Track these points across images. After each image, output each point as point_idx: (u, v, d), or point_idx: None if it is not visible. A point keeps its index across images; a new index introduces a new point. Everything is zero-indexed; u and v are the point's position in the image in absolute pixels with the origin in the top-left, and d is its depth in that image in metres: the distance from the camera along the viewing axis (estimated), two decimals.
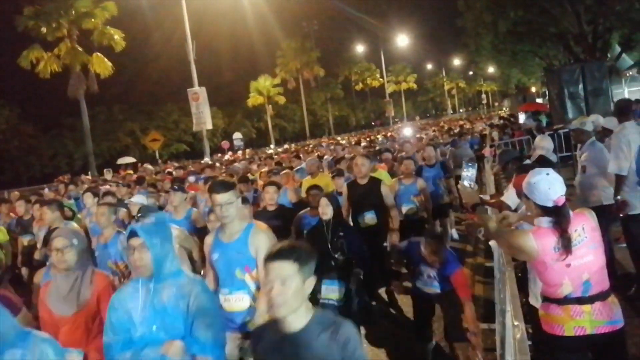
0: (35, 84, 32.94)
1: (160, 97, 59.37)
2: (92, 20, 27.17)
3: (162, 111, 59.23)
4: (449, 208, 9.04)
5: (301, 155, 14.53)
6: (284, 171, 9.30)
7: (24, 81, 37.35)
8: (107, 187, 11.73)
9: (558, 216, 2.94)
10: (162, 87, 60.54)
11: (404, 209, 7.39)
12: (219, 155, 35.56)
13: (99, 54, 27.74)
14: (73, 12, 27.07)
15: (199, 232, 6.18)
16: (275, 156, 18.49)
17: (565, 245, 2.89)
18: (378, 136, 27.09)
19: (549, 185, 2.95)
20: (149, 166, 20.80)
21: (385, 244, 6.76)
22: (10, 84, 42.89)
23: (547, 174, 3.00)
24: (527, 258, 3.01)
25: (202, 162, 25.44)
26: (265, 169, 10.96)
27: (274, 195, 6.35)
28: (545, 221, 2.99)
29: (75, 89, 27.17)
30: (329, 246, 4.83)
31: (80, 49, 27.45)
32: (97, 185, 13.60)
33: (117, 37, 27.48)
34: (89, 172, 27.62)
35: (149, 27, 50.23)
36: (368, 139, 23.91)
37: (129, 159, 43.43)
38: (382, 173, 8.29)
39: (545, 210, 2.98)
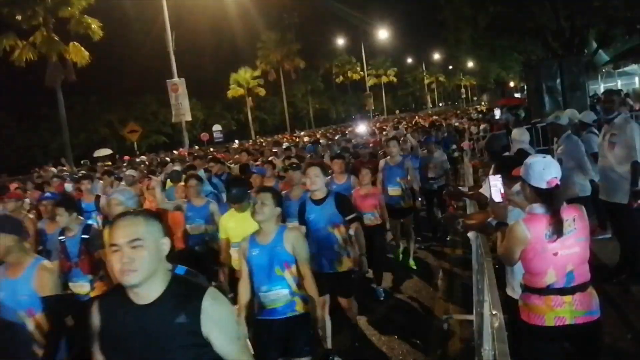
0: (10, 73, 32.18)
1: (139, 88, 58.50)
2: (69, 8, 26.65)
3: (140, 102, 58.42)
4: (351, 280, 5.08)
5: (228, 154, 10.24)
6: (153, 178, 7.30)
7: None
8: None
9: (550, 198, 2.99)
10: (141, 78, 59.54)
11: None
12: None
13: (76, 43, 27.24)
14: (49, 0, 26.55)
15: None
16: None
17: (557, 228, 2.93)
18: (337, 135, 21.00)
19: (543, 166, 3.00)
20: (51, 168, 18.54)
21: None
22: None
23: (544, 157, 3.08)
24: (521, 248, 3.03)
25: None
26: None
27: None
28: (538, 207, 3.03)
29: (52, 78, 26.64)
30: None
31: (56, 37, 26.91)
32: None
33: (95, 26, 27.00)
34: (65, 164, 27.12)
35: (128, 18, 49.53)
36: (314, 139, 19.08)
37: (106, 151, 42.57)
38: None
39: (538, 193, 3.02)
